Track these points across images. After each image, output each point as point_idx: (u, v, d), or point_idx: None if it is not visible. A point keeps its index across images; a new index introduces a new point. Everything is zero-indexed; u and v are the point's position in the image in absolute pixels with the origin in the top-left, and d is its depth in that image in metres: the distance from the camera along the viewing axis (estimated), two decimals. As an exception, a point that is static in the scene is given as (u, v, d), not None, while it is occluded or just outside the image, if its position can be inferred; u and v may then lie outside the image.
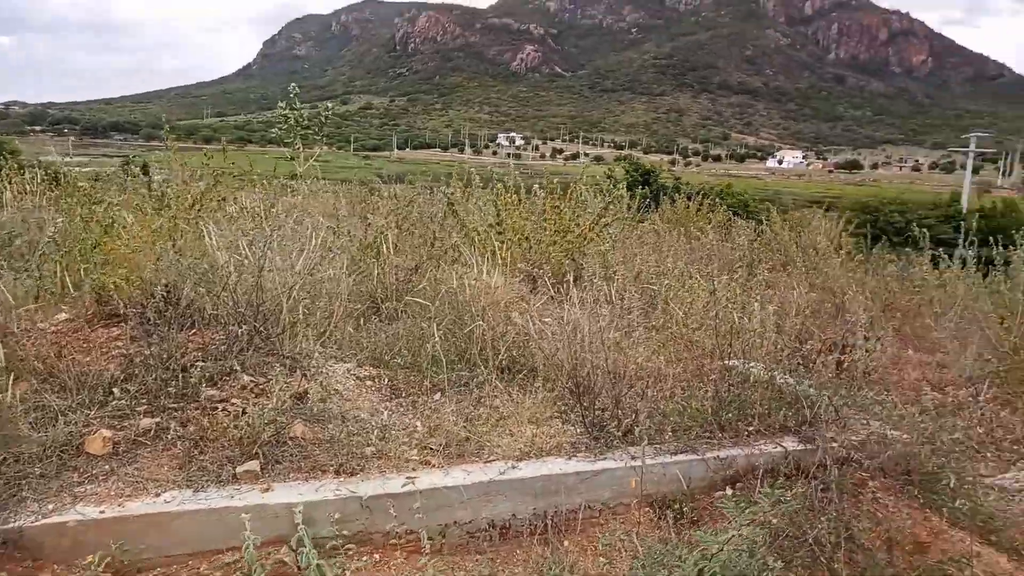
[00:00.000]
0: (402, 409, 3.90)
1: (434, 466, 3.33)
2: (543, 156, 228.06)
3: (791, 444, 3.39)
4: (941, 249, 7.18)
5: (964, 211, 38.05)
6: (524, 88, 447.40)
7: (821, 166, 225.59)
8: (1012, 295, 5.96)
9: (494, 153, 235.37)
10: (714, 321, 4.34)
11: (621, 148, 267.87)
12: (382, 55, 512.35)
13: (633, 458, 3.22)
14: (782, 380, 3.78)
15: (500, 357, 4.33)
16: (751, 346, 4.78)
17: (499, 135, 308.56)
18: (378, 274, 5.76)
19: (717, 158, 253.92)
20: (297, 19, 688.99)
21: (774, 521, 2.79)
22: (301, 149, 5.73)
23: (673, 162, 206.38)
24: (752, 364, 4.11)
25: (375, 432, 3.59)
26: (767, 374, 3.75)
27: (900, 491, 3.12)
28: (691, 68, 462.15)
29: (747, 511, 2.89)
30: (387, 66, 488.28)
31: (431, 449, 3.46)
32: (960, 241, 7.66)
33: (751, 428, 3.50)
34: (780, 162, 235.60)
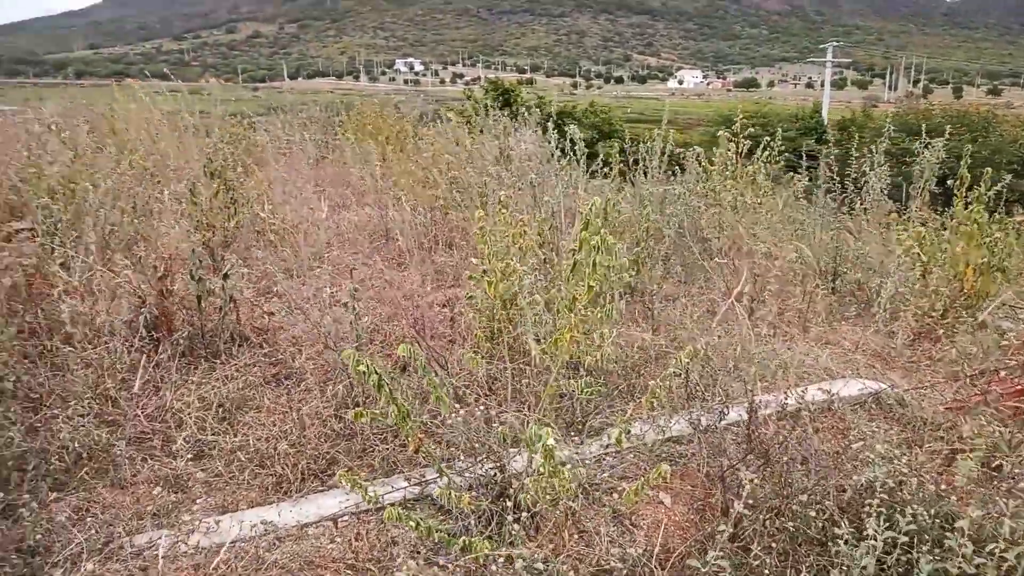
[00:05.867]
0: None
1: None
2: (443, 82, 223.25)
3: None
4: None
5: (825, 122, 38.96)
6: (420, 11, 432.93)
7: (721, 85, 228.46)
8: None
9: (391, 80, 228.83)
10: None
11: (523, 71, 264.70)
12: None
13: None
14: None
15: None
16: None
17: (397, 61, 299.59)
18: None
19: (619, 80, 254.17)
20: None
21: None
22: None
23: (575, 85, 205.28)
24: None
25: None
26: None
27: None
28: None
29: None
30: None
31: None
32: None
33: None
34: (681, 82, 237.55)
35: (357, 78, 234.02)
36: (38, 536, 2.30)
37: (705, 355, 2.99)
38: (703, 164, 6.06)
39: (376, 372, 2.26)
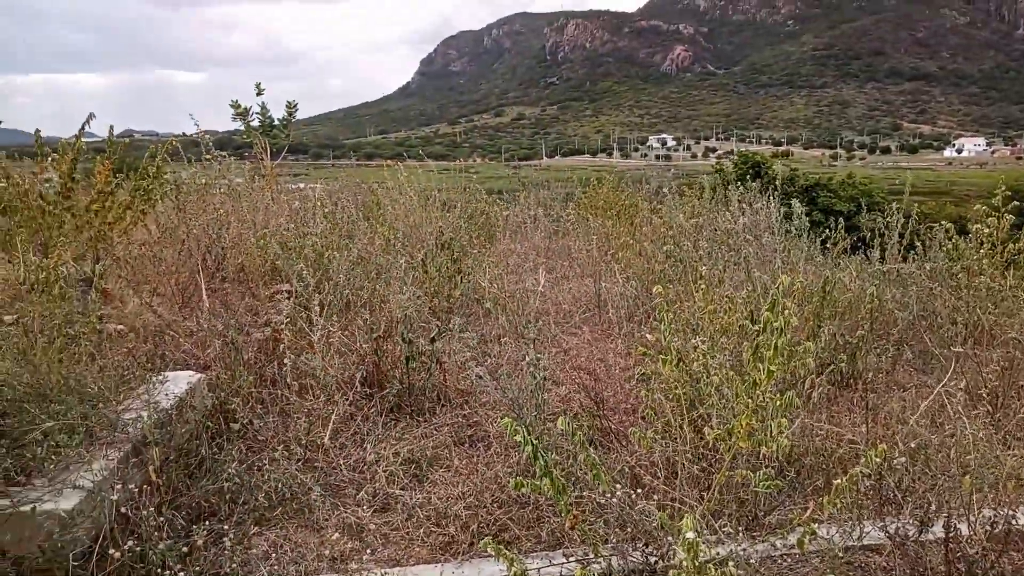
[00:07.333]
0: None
1: None
2: (695, 156, 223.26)
3: None
4: None
5: None
6: (675, 89, 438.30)
7: (1009, 152, 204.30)
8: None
9: (643, 156, 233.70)
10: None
11: (779, 144, 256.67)
12: (533, 66, 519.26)
13: None
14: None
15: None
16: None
17: (649, 138, 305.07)
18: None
19: (886, 150, 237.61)
20: (451, 36, 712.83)
21: None
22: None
23: (835, 156, 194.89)
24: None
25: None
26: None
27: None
28: (855, 57, 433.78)
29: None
30: (538, 76, 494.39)
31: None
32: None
33: None
34: (960, 151, 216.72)
35: (611, 155, 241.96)
36: (234, 565, 2.57)
37: (913, 455, 2.62)
38: (954, 240, 5.41)
39: (532, 443, 2.27)
